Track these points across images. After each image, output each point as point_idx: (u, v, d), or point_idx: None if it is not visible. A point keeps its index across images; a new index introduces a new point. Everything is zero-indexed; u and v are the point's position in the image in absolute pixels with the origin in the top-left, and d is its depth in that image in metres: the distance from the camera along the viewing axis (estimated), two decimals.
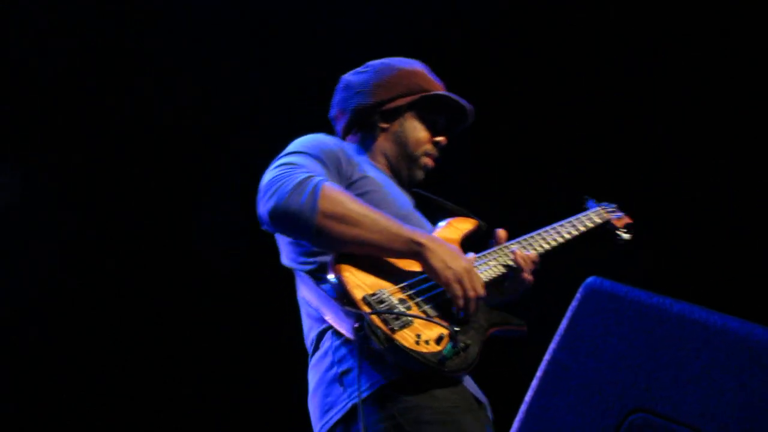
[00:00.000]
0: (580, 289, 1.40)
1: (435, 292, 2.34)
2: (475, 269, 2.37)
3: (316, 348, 2.39)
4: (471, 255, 2.55)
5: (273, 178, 2.33)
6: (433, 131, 2.73)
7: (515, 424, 1.39)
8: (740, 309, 1.48)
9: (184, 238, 5.69)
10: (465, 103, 2.75)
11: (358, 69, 2.79)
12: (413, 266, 2.38)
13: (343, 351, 2.30)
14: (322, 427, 2.27)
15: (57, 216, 5.44)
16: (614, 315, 1.37)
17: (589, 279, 1.41)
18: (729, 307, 1.40)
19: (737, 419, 1.27)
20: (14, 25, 5.07)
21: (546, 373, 1.39)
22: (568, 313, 1.40)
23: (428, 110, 2.74)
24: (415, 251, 2.32)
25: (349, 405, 2.21)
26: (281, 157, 2.45)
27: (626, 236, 3.05)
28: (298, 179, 2.29)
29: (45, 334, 5.59)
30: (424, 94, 2.71)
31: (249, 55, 5.45)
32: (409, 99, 2.70)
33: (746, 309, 1.57)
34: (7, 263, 5.39)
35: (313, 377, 2.37)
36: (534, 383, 1.39)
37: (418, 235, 2.34)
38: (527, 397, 1.40)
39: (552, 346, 1.40)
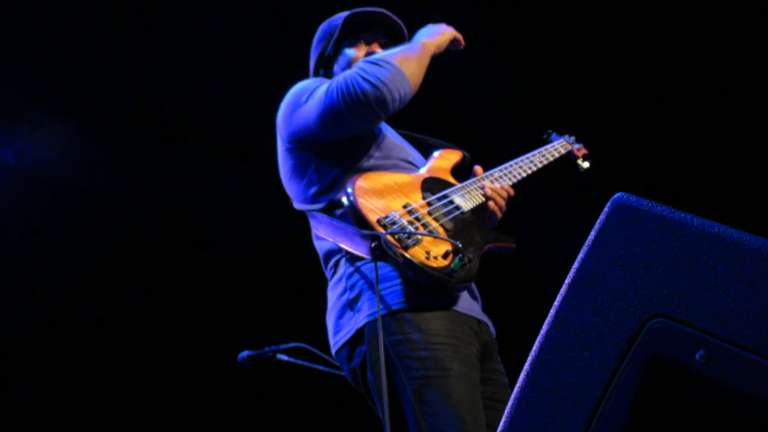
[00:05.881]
0: (608, 204, 1.50)
1: (437, 214, 2.53)
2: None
3: (333, 273, 2.59)
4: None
5: (343, 81, 2.62)
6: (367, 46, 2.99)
7: (545, 326, 1.50)
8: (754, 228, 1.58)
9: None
10: (374, 9, 3.02)
11: None
12: (416, 191, 2.58)
13: (354, 278, 2.51)
14: (334, 345, 2.54)
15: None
16: (638, 228, 1.46)
17: (616, 194, 1.51)
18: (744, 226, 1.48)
19: (749, 324, 1.36)
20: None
21: (574, 279, 1.49)
22: (596, 226, 1.49)
23: (350, 37, 3.01)
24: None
25: (354, 329, 2.44)
26: (308, 98, 2.68)
27: (586, 164, 3.45)
28: (361, 70, 2.63)
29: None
30: (336, 28, 2.99)
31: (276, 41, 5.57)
32: (332, 39, 2.99)
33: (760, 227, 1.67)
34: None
35: (330, 298, 2.61)
36: (563, 289, 1.50)
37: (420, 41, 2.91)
38: (556, 302, 1.51)
39: (580, 255, 1.50)
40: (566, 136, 3.48)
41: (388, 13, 3.04)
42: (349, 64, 2.93)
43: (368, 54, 2.96)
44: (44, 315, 5.91)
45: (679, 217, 1.45)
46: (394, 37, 3.06)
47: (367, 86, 2.53)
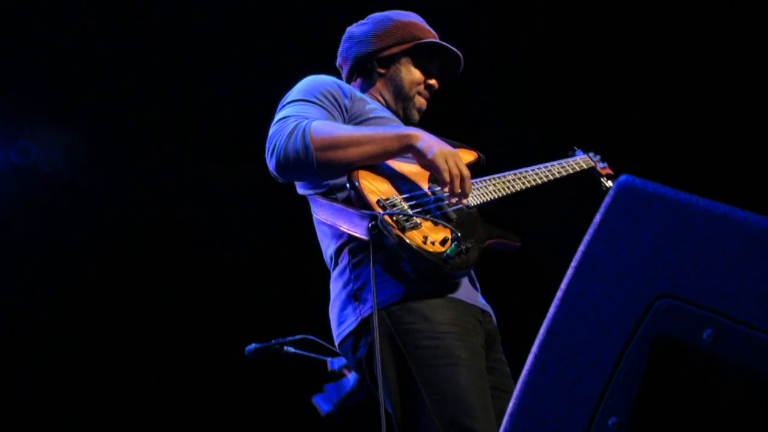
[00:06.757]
0: (614, 186, 1.50)
1: (441, 204, 2.54)
2: (459, 154, 2.60)
3: (335, 264, 2.60)
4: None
5: (270, 136, 2.60)
6: (427, 75, 2.94)
7: (551, 309, 1.50)
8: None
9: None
10: (455, 50, 2.99)
11: (361, 21, 3.04)
12: (423, 180, 2.58)
13: (359, 269, 2.50)
14: (337, 336, 2.55)
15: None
16: (644, 209, 1.46)
17: (622, 177, 1.51)
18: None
19: (756, 303, 1.35)
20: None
21: (581, 262, 1.49)
22: (602, 208, 1.49)
23: (421, 57, 2.98)
24: (406, 143, 2.55)
25: (360, 319, 2.44)
26: (279, 110, 2.66)
27: (609, 183, 3.42)
28: (288, 130, 2.51)
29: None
30: (417, 42, 2.94)
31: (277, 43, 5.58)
32: (403, 46, 2.94)
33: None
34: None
35: (333, 290, 2.61)
36: (569, 272, 1.50)
37: (405, 130, 2.60)
38: (563, 285, 1.51)
39: (586, 238, 1.50)
40: (590, 154, 3.47)
41: (462, 62, 3.02)
42: (402, 83, 2.93)
43: (425, 85, 2.97)
44: (44, 314, 5.90)
45: (684, 198, 1.45)
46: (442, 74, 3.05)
47: (271, 156, 2.54)
